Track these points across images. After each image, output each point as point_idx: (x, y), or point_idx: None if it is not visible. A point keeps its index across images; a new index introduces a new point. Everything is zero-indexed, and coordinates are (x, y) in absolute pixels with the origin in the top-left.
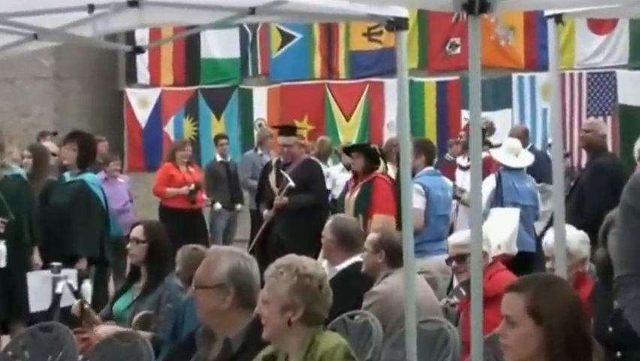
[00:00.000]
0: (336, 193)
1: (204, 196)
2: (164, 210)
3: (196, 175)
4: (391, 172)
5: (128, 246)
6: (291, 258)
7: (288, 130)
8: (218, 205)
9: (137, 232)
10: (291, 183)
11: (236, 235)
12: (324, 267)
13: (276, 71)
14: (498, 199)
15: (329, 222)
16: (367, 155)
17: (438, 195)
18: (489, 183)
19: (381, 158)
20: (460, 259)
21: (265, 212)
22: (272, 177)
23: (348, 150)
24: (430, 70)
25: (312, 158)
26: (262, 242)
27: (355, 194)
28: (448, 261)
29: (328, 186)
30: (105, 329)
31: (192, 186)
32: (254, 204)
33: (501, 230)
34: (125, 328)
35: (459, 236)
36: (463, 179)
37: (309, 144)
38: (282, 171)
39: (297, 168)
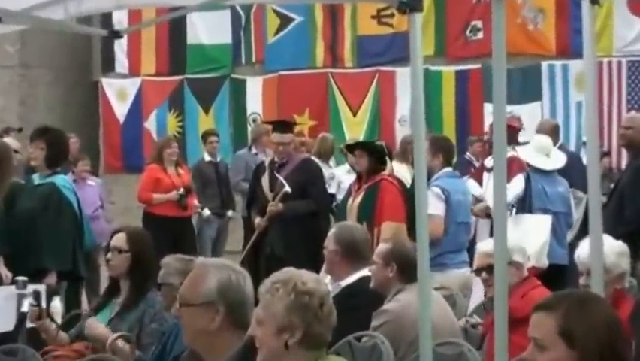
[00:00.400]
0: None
1: (196, 202)
2: (149, 217)
3: (186, 177)
4: (407, 174)
5: (108, 256)
6: (289, 272)
7: (283, 126)
8: (206, 211)
9: (119, 240)
10: (287, 189)
11: (227, 245)
12: (326, 282)
13: (272, 58)
14: (526, 205)
15: (332, 230)
16: (372, 154)
17: (458, 200)
18: (516, 186)
19: (387, 157)
20: (490, 269)
21: (257, 220)
22: (265, 180)
23: (351, 147)
24: (449, 57)
25: (311, 158)
26: (254, 254)
27: (359, 198)
28: (477, 271)
29: (332, 189)
30: (94, 323)
31: (182, 190)
32: (246, 211)
33: (531, 240)
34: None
35: (490, 243)
36: (489, 182)
37: (310, 141)
38: (276, 174)
39: (293, 169)
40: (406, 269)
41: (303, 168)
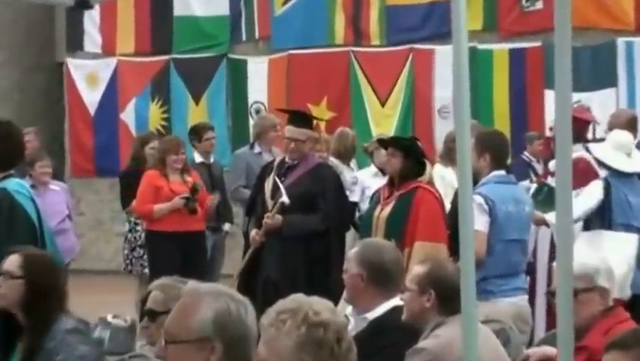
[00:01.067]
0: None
1: (209, 201)
2: (153, 236)
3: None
4: (455, 178)
5: None
6: (298, 300)
7: (300, 118)
8: None
9: (12, 263)
10: (284, 199)
11: (224, 267)
12: (348, 314)
13: (280, 34)
14: (605, 219)
15: (355, 250)
16: (408, 154)
17: (507, 212)
18: (592, 196)
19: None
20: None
21: (252, 233)
22: (268, 185)
23: (385, 143)
24: (501, 32)
25: (328, 163)
26: (250, 276)
27: (388, 209)
28: (551, 295)
29: (355, 197)
30: None
31: (187, 194)
32: (245, 221)
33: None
34: None
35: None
36: None
37: (327, 138)
38: (276, 178)
39: (303, 175)
40: (446, 298)
41: (315, 175)
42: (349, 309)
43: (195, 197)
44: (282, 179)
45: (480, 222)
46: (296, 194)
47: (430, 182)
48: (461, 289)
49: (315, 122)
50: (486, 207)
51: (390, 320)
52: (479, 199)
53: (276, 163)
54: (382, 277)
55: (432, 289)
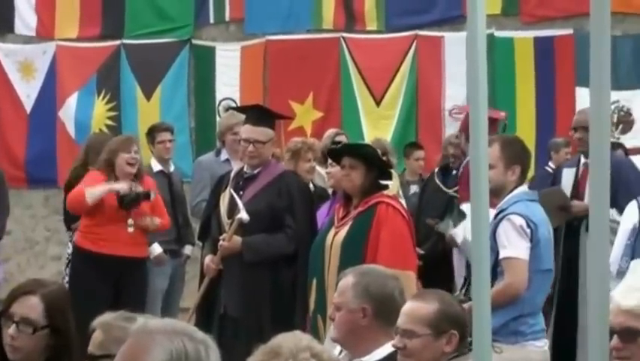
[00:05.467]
0: None
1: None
2: (80, 254)
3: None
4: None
5: (10, 332)
6: (289, 340)
7: (259, 115)
8: (156, 248)
9: (30, 306)
10: (242, 215)
11: (183, 298)
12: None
13: (255, 16)
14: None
15: (351, 279)
16: (371, 164)
17: (546, 238)
18: (628, 217)
19: (392, 171)
20: (628, 335)
21: (207, 260)
22: (224, 200)
23: (337, 154)
24: (524, 17)
25: (293, 171)
26: (205, 310)
27: (343, 233)
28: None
29: None
30: None
31: (135, 190)
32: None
33: None
34: None
35: (630, 294)
36: None
37: (316, 143)
38: (231, 192)
39: (265, 186)
40: (464, 338)
41: (279, 186)
42: (337, 349)
43: (139, 200)
44: (240, 193)
45: (521, 249)
46: (257, 209)
47: (395, 196)
48: (474, 334)
49: (297, 122)
50: (528, 230)
51: None
52: (519, 220)
53: (232, 173)
54: (389, 312)
55: (453, 330)
